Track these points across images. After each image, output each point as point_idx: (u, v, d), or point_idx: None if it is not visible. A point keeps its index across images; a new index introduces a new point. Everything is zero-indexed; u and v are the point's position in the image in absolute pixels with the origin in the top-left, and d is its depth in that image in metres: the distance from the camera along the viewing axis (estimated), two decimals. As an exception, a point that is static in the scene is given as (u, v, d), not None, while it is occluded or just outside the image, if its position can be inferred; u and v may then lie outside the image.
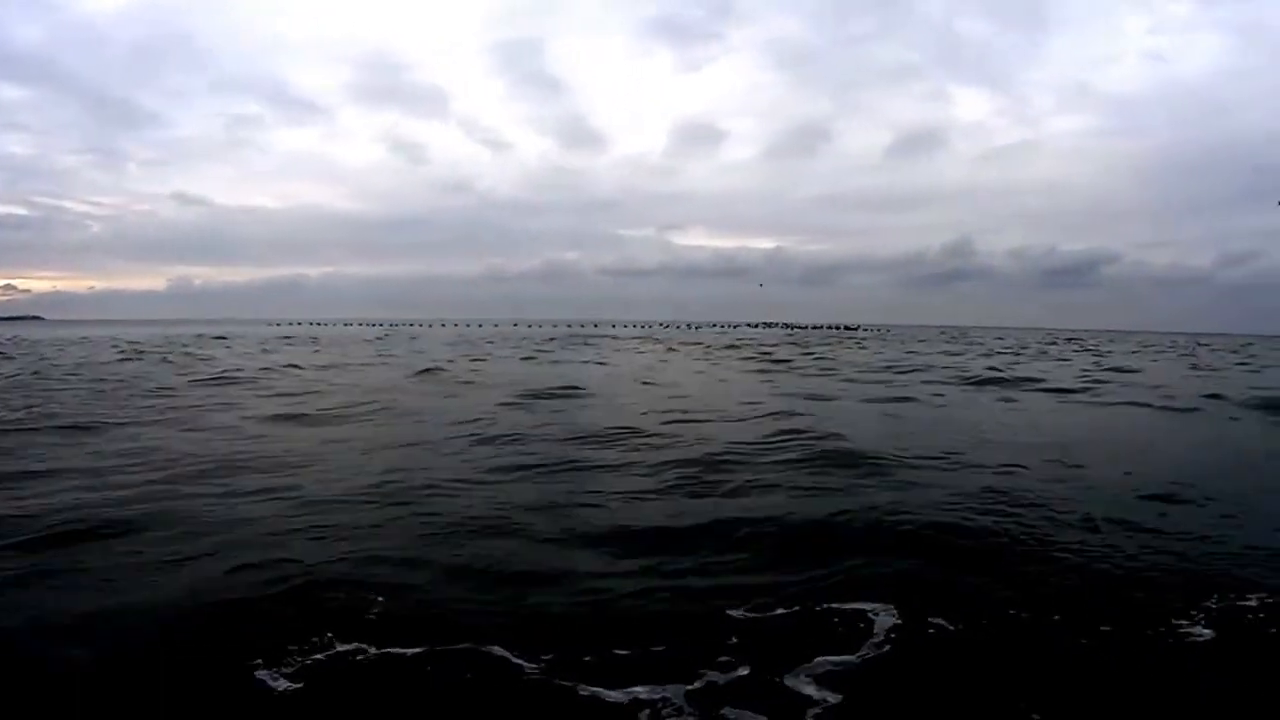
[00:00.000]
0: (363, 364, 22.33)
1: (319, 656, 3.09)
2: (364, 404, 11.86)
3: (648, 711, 2.73)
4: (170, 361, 21.02)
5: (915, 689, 2.95)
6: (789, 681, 2.93)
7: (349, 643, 3.20)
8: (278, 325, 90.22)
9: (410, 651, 3.13)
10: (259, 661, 3.02)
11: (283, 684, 2.89)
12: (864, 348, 38.47)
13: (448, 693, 2.88)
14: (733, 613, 3.55)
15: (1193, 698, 2.91)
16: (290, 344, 35.54)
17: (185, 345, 31.36)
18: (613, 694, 2.83)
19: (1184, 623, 3.47)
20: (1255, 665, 3.12)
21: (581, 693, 2.84)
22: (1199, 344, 58.95)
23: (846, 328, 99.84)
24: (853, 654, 3.16)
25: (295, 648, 3.13)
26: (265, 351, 28.16)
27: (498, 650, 3.14)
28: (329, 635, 3.24)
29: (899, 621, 3.45)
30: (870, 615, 3.52)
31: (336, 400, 12.32)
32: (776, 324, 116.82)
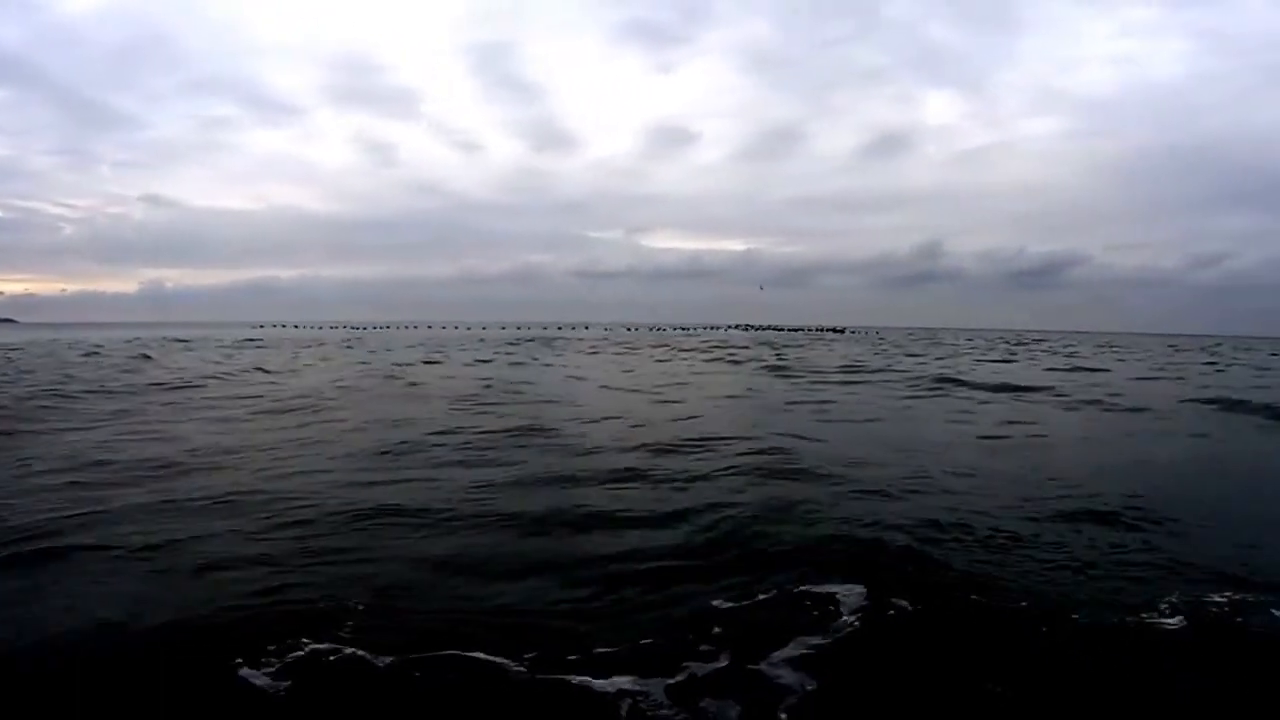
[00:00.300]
0: (325, 367, 22.25)
1: (299, 655, 3.05)
2: (317, 406, 11.93)
3: (630, 702, 2.75)
4: (128, 370, 20.66)
5: (884, 669, 3.05)
6: (764, 665, 3.01)
7: (328, 643, 3.15)
8: (260, 327, 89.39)
9: (391, 654, 3.08)
10: (239, 661, 2.97)
11: (266, 689, 2.83)
12: (831, 349, 39.14)
13: (435, 691, 2.87)
14: (715, 603, 3.64)
15: (1156, 679, 3.01)
16: (257, 347, 34.87)
17: (146, 349, 30.77)
18: (597, 686, 2.85)
19: (1153, 615, 3.52)
20: (1217, 650, 3.26)
21: (570, 686, 2.87)
22: (1169, 345, 59.55)
23: (834, 330, 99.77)
24: (825, 636, 3.26)
25: (274, 647, 3.07)
26: (228, 355, 27.76)
27: (479, 649, 3.12)
28: (303, 639, 3.18)
29: (866, 604, 3.56)
30: (839, 598, 3.63)
31: (291, 404, 12.30)
32: (763, 326, 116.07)
